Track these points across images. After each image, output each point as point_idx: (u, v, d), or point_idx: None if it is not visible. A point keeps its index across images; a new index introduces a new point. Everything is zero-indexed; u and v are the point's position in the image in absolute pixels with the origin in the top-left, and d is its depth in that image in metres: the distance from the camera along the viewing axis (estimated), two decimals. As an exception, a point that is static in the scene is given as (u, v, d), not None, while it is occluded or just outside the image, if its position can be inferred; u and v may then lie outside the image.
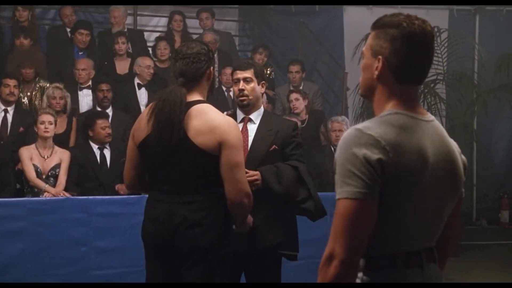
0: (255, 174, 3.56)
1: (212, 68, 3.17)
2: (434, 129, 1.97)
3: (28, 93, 6.86)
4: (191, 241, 3.03)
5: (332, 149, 6.71)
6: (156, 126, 3.03)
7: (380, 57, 1.94)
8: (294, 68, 7.98)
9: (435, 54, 8.00)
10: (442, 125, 7.98)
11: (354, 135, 1.84)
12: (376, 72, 1.95)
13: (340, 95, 9.09)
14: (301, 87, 7.93)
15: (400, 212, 1.87)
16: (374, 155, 1.80)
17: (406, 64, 1.93)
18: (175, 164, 3.05)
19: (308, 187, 3.68)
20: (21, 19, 7.64)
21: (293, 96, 7.26)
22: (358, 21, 9.37)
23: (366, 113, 8.30)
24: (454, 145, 2.03)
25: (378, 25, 2.00)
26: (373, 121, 1.91)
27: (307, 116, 7.30)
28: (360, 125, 1.87)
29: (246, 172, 3.32)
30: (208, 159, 3.00)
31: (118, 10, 8.12)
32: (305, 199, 3.68)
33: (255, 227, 3.52)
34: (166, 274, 3.13)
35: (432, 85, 8.05)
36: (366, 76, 2.01)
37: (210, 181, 3.04)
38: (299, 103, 7.19)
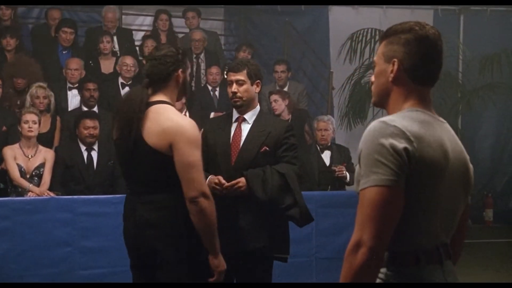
0: (238, 182, 3.58)
1: (181, 71, 3.15)
2: (448, 130, 2.04)
3: (18, 102, 6.76)
4: (149, 242, 3.04)
5: (318, 148, 6.73)
6: (118, 126, 3.10)
7: (395, 60, 2.00)
8: (280, 67, 7.99)
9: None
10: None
11: (379, 127, 1.89)
12: (392, 75, 2.01)
13: (325, 94, 9.11)
14: (286, 87, 7.93)
15: (423, 205, 1.91)
16: (401, 144, 1.85)
17: (420, 65, 2.00)
18: (134, 164, 3.08)
19: (294, 194, 3.65)
20: (4, 18, 7.58)
21: (273, 97, 7.27)
22: (343, 20, 9.43)
23: (352, 112, 8.34)
24: (465, 150, 2.08)
25: (389, 33, 2.05)
26: (395, 116, 1.96)
27: (290, 116, 7.30)
28: (384, 118, 1.91)
29: (230, 181, 3.42)
30: (163, 159, 3.00)
31: (113, 13, 8.05)
32: (290, 206, 3.64)
33: (241, 229, 3.53)
34: (137, 275, 3.17)
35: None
36: (380, 81, 2.06)
37: (170, 181, 3.02)
38: (278, 105, 7.19)
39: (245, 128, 3.76)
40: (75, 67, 7.00)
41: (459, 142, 2.05)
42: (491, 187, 10.14)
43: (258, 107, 3.82)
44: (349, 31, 8.47)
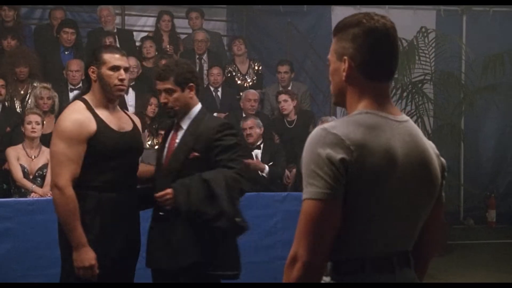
0: (166, 193, 3.27)
1: (92, 67, 3.25)
2: (406, 130, 1.91)
3: (22, 92, 6.79)
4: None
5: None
6: None
7: (345, 57, 1.90)
8: (283, 68, 7.98)
9: (423, 54, 8.12)
10: (430, 125, 8.03)
11: (319, 135, 1.80)
12: (344, 73, 1.91)
13: (328, 95, 9.08)
14: (289, 88, 7.93)
15: (367, 214, 1.82)
16: (338, 154, 1.76)
17: (371, 60, 1.89)
18: None
19: (219, 202, 3.24)
20: (6, 19, 7.60)
21: (282, 97, 7.28)
22: (346, 21, 9.40)
23: (354, 113, 8.31)
24: (431, 146, 1.97)
25: (338, 28, 1.96)
26: (340, 121, 1.87)
27: (295, 116, 7.31)
28: (326, 124, 1.83)
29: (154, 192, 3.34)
30: None
31: (107, 10, 8.07)
32: (217, 217, 3.25)
33: (172, 244, 3.32)
34: None
35: (419, 85, 8.09)
36: (335, 81, 1.96)
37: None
38: (287, 104, 7.22)
39: (180, 136, 3.47)
40: (76, 68, 7.00)
41: (421, 141, 1.92)
42: (494, 188, 10.11)
43: (195, 111, 3.46)
44: (351, 31, 8.45)
